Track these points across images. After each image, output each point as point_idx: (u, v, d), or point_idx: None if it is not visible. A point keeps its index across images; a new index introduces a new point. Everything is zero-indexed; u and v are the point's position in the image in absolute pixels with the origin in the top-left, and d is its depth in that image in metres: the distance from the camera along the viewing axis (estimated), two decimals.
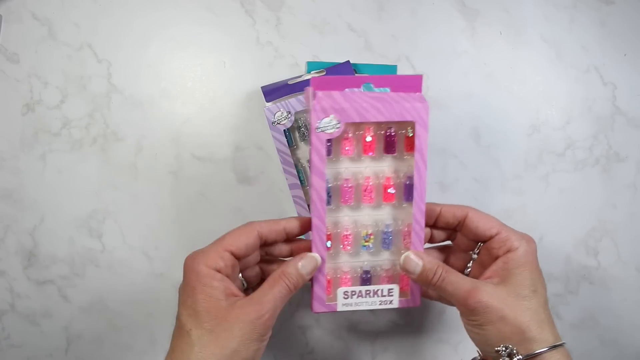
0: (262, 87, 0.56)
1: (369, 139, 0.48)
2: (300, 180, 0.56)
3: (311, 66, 0.58)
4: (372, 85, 0.47)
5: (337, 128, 0.46)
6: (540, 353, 0.41)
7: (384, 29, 0.61)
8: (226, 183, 0.60)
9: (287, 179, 0.55)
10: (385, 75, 0.48)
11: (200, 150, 0.61)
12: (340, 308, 0.49)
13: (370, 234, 0.50)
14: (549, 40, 0.61)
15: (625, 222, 0.61)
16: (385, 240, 0.50)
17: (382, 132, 0.48)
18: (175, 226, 0.60)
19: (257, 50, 0.60)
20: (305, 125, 0.56)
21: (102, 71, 0.60)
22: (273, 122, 0.54)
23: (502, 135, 0.60)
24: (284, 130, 0.55)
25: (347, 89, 0.47)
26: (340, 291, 0.49)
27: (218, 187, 0.60)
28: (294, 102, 0.55)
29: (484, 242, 0.47)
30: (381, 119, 0.46)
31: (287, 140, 0.55)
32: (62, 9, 0.60)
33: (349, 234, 0.50)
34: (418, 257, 0.46)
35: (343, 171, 0.49)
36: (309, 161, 0.49)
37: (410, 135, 0.48)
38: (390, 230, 0.50)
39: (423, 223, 0.48)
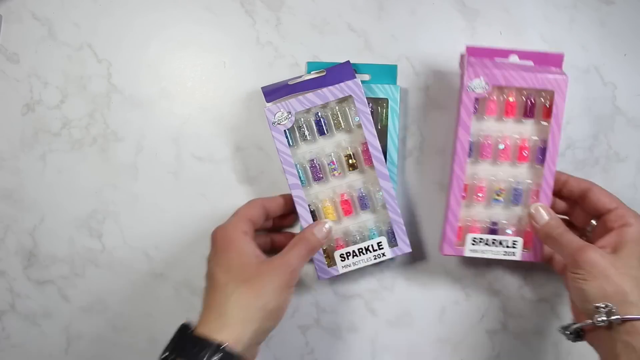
0: (262, 88, 0.56)
1: (511, 100, 0.54)
2: (301, 181, 0.56)
3: (311, 66, 0.58)
4: (517, 57, 0.54)
5: (485, 89, 0.52)
6: (639, 319, 0.42)
7: (383, 28, 0.61)
8: (226, 183, 0.60)
9: (287, 179, 0.55)
10: (529, 51, 0.54)
11: (200, 150, 0.61)
12: (467, 253, 0.55)
13: (502, 189, 0.55)
14: (549, 40, 0.61)
15: None
16: (516, 196, 0.55)
17: (524, 98, 0.54)
18: (175, 226, 0.60)
19: (257, 50, 0.61)
20: (306, 125, 0.56)
21: (102, 71, 0.60)
22: (273, 123, 0.55)
23: None
24: (285, 130, 0.55)
25: (495, 59, 0.54)
26: (470, 237, 0.54)
27: (218, 187, 0.60)
28: (294, 103, 0.55)
29: (601, 215, 0.51)
30: (524, 85, 0.53)
31: (288, 141, 0.55)
32: (62, 9, 0.60)
33: (483, 186, 0.55)
34: (547, 211, 0.52)
35: (485, 129, 0.55)
36: (457, 123, 0.54)
37: (548, 103, 0.54)
38: (521, 187, 0.55)
39: (552, 184, 0.53)
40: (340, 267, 0.56)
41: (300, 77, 0.56)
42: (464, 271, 0.61)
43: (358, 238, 0.57)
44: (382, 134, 0.58)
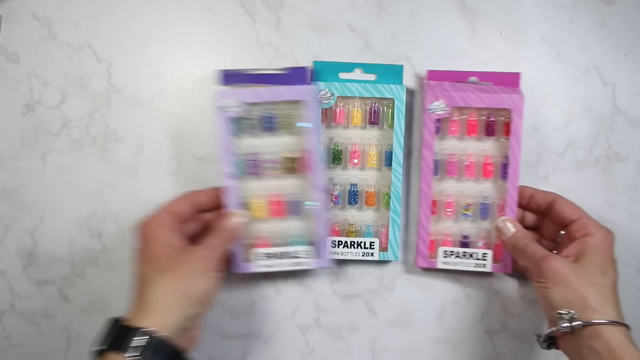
0: (220, 71, 0.55)
1: (472, 120, 0.57)
2: (237, 172, 0.56)
3: (317, 65, 0.58)
4: (476, 79, 0.57)
5: (445, 110, 0.55)
6: (600, 323, 0.45)
7: (383, 28, 0.61)
8: None
9: (223, 167, 0.55)
10: (487, 72, 0.57)
11: (200, 150, 0.61)
12: (440, 265, 0.57)
13: (470, 204, 0.57)
14: (549, 40, 0.61)
15: (625, 222, 0.61)
16: (483, 210, 0.57)
17: (484, 118, 0.57)
18: None
19: (257, 50, 0.61)
20: (254, 119, 0.56)
21: (102, 71, 0.60)
22: (221, 107, 0.54)
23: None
24: (231, 118, 0.55)
25: (455, 82, 0.57)
26: (441, 250, 0.57)
27: None
28: (247, 93, 0.54)
29: (566, 225, 0.52)
30: (482, 105, 0.55)
31: (232, 129, 0.55)
32: (62, 8, 0.60)
33: (452, 202, 0.58)
34: (514, 225, 0.54)
35: (449, 147, 0.58)
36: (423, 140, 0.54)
37: (507, 121, 0.56)
38: (488, 202, 0.57)
39: (516, 197, 0.56)
40: (259, 266, 0.56)
41: (261, 69, 0.56)
42: (464, 271, 0.61)
43: (283, 241, 0.57)
44: (388, 134, 0.58)
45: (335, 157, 0.58)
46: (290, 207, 0.57)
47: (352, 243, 0.57)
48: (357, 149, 0.58)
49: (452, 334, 0.61)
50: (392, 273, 0.61)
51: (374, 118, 0.58)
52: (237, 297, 0.61)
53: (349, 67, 0.59)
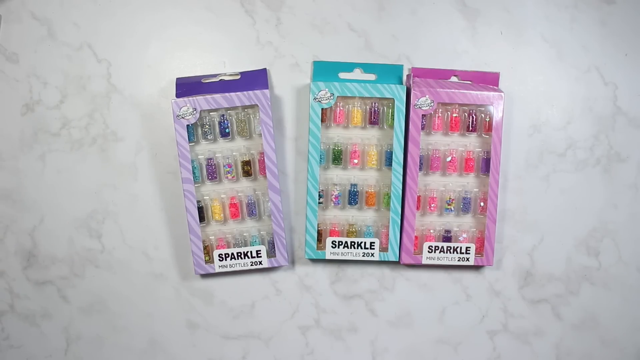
0: (177, 79, 0.57)
1: (455, 116, 0.58)
2: (195, 176, 0.57)
3: (316, 65, 0.59)
4: (458, 78, 0.59)
5: (430, 106, 0.56)
6: None
7: (384, 28, 0.60)
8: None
9: (181, 173, 0.57)
10: (468, 71, 0.59)
11: None
12: (425, 261, 0.58)
13: (452, 199, 0.59)
14: (550, 40, 0.61)
15: (627, 223, 0.61)
16: (465, 204, 0.59)
17: (466, 115, 0.58)
18: (175, 226, 0.60)
19: (257, 50, 0.60)
20: (210, 124, 0.57)
21: (102, 71, 0.60)
22: (178, 116, 0.56)
23: (503, 135, 0.60)
24: (187, 125, 0.56)
25: (439, 80, 0.58)
26: (426, 245, 0.58)
27: None
28: (201, 100, 0.56)
29: None
30: (466, 102, 0.57)
31: (189, 136, 0.56)
32: (62, 8, 0.60)
33: (435, 197, 0.59)
34: None
35: (433, 143, 0.59)
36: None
37: (488, 119, 0.58)
38: (469, 196, 0.59)
39: (497, 191, 0.58)
40: (217, 266, 0.57)
41: (215, 76, 0.58)
42: (464, 271, 0.60)
43: (240, 242, 0.58)
44: (388, 134, 0.58)
45: (335, 157, 0.58)
46: (247, 209, 0.58)
47: (352, 243, 0.57)
48: (357, 149, 0.58)
49: (452, 334, 0.61)
50: (392, 273, 0.61)
51: (374, 118, 0.58)
52: (237, 297, 0.60)
53: (349, 67, 0.59)
